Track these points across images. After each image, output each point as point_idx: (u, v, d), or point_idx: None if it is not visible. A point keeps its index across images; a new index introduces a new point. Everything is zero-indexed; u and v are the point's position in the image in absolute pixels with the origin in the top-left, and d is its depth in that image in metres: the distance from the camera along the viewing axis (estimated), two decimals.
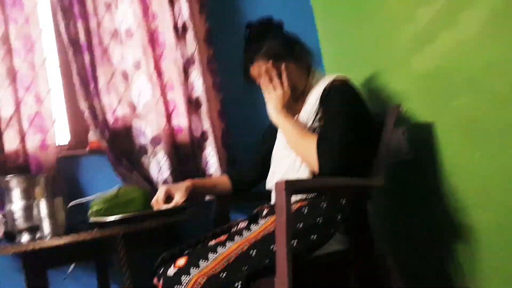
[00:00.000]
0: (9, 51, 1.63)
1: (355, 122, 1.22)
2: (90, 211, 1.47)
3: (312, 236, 1.13)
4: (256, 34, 1.40)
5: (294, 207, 1.21)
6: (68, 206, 1.45)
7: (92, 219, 1.44)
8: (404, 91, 1.60)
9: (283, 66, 1.35)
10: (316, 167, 1.20)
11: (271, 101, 1.34)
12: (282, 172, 1.32)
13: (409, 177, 1.60)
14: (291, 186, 1.03)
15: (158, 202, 1.38)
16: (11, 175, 1.32)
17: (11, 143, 1.59)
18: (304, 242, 1.11)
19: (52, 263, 1.32)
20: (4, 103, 1.61)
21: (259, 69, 1.36)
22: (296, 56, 1.38)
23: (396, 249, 1.66)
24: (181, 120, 1.82)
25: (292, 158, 1.29)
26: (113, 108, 1.76)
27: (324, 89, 1.29)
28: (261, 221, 1.20)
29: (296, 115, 1.37)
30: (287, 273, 0.97)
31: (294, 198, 1.25)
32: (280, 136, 1.42)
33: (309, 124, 1.29)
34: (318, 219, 1.15)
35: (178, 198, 1.39)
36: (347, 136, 1.18)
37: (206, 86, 1.83)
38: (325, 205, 1.17)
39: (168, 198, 1.40)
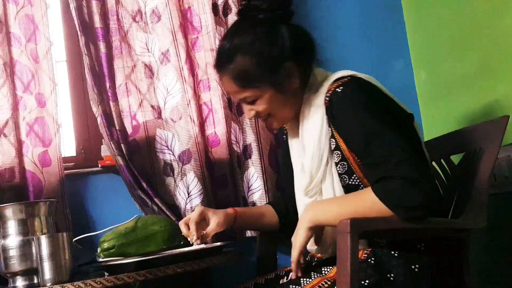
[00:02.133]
0: (7, 38, 1.68)
1: (395, 126, 1.14)
2: (99, 249, 1.48)
3: None
4: (231, 33, 1.28)
5: None
6: (73, 241, 1.43)
7: (102, 260, 1.44)
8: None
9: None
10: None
11: None
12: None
13: None
14: (359, 228, 1.01)
15: (190, 222, 1.35)
16: (6, 205, 1.33)
17: (5, 156, 1.63)
18: None
19: None
20: (0, 104, 1.65)
21: (228, 88, 1.30)
22: (283, 76, 1.24)
23: None
24: (218, 129, 1.82)
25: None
26: (133, 112, 1.77)
27: (326, 100, 1.20)
28: (314, 274, 1.17)
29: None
30: None
31: None
32: (293, 153, 1.36)
33: (321, 150, 1.21)
34: (390, 274, 1.11)
35: (214, 225, 1.36)
36: (401, 153, 1.09)
37: None
38: (396, 254, 1.13)
39: (202, 223, 1.38)
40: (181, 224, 1.37)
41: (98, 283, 1.19)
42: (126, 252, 1.46)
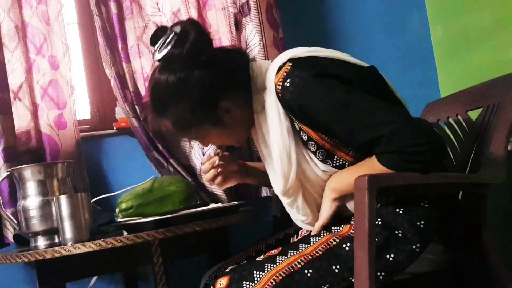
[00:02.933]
0: (18, 0, 1.65)
1: (358, 93, 1.09)
2: (117, 209, 1.48)
3: (388, 256, 1.08)
4: (158, 83, 1.18)
5: None
6: (92, 202, 1.47)
7: (121, 220, 1.45)
8: None
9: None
10: None
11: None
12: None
13: None
14: (377, 184, 0.99)
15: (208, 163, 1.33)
16: (25, 166, 1.34)
17: (20, 119, 1.63)
18: (378, 264, 1.06)
19: (72, 275, 1.35)
20: (13, 68, 1.63)
21: (172, 131, 1.24)
22: (222, 113, 1.18)
23: None
24: None
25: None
26: (145, 74, 1.74)
27: (279, 99, 1.14)
28: (324, 232, 1.16)
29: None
30: None
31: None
32: (264, 158, 1.28)
33: (288, 150, 1.15)
34: (398, 231, 1.09)
35: (237, 168, 1.35)
36: (379, 114, 1.06)
37: (264, 43, 1.76)
38: (401, 212, 1.11)
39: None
40: (202, 162, 1.35)
41: (119, 241, 1.21)
42: (144, 213, 1.47)
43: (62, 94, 1.67)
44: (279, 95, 1.13)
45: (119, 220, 1.47)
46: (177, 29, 1.14)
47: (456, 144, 1.39)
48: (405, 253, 1.08)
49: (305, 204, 1.19)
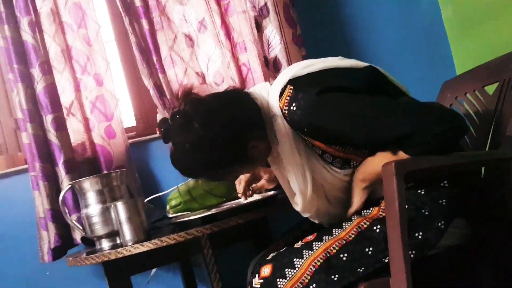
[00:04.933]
0: (61, 26, 1.66)
1: (364, 98, 1.06)
2: (168, 206, 1.51)
3: (417, 234, 1.06)
4: (181, 152, 1.11)
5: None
6: (145, 201, 1.50)
7: (172, 216, 1.48)
8: None
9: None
10: None
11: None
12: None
13: None
14: (404, 168, 0.97)
15: (241, 183, 1.36)
16: (84, 178, 1.37)
17: (75, 133, 1.66)
18: (409, 243, 1.03)
19: (135, 269, 1.39)
20: (64, 87, 1.66)
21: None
22: (251, 152, 1.12)
23: None
24: None
25: None
26: (180, 80, 1.74)
27: (289, 123, 1.09)
28: (355, 216, 1.14)
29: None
30: (406, 277, 0.94)
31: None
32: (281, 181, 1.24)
33: (302, 168, 1.12)
34: (424, 210, 1.07)
35: (263, 182, 1.36)
36: (395, 113, 1.02)
37: (284, 41, 1.73)
38: (423, 192, 1.09)
39: (254, 181, 1.39)
40: (236, 182, 1.38)
41: (172, 239, 1.23)
42: (191, 207, 1.49)
43: (109, 106, 1.69)
44: (287, 118, 1.09)
45: (170, 216, 1.49)
46: (179, 118, 1.07)
47: (475, 119, 1.34)
48: (432, 231, 1.06)
49: (324, 213, 1.18)
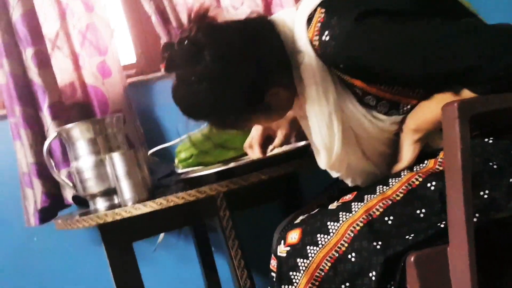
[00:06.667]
0: None
1: (417, 23, 0.95)
2: (176, 160, 1.40)
3: (483, 193, 0.96)
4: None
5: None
6: (149, 154, 1.42)
7: (181, 171, 1.37)
8: None
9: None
10: None
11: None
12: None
13: None
14: (470, 110, 0.87)
15: (253, 145, 1.26)
16: (71, 124, 1.26)
17: (62, 71, 1.53)
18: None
19: (138, 234, 1.31)
20: (46, 15, 1.52)
21: None
22: (270, 99, 1.03)
23: None
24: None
25: None
26: (189, 3, 1.58)
27: (320, 57, 0.99)
28: (404, 171, 1.06)
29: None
30: (468, 246, 0.86)
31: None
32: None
33: (328, 115, 1.03)
34: (492, 163, 0.98)
35: (281, 137, 1.25)
36: (457, 41, 0.93)
37: None
38: (491, 141, 1.01)
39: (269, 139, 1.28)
40: (246, 148, 1.27)
41: (181, 198, 1.15)
42: (205, 161, 1.39)
43: (102, 38, 1.55)
44: (318, 52, 0.99)
45: (179, 171, 1.38)
46: (188, 45, 0.98)
47: None
48: (501, 189, 0.96)
49: (359, 172, 1.10)
